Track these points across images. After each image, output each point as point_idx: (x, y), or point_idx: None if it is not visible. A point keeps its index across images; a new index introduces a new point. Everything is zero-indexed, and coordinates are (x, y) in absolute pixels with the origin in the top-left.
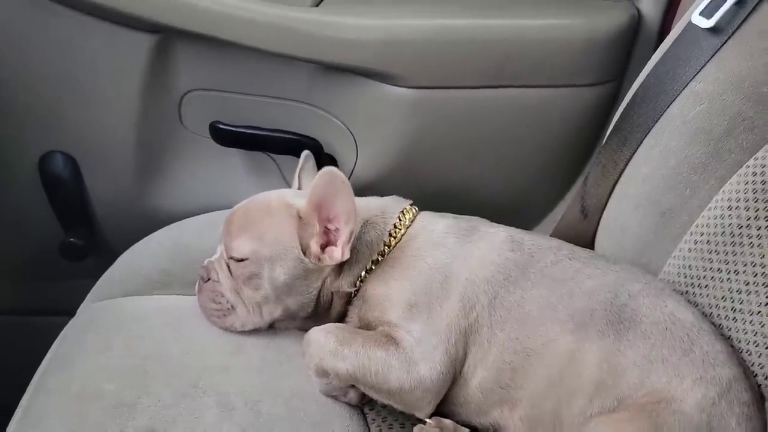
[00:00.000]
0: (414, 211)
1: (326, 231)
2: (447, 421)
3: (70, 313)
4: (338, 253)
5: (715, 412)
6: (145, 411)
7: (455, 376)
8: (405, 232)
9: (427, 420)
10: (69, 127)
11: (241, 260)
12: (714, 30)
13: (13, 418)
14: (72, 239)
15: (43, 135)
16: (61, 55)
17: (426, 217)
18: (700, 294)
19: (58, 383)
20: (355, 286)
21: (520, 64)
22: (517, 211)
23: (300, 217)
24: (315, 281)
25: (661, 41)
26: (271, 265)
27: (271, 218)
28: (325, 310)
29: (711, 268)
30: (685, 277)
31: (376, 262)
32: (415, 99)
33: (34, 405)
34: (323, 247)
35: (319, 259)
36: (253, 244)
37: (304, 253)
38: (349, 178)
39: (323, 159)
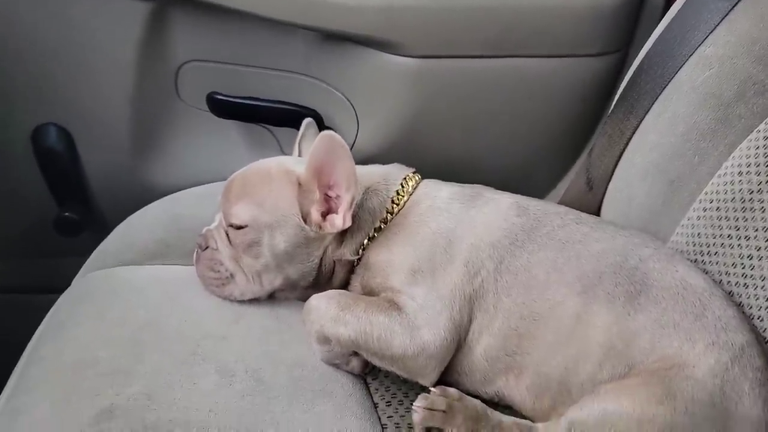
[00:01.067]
0: (417, 178)
1: (327, 198)
2: (452, 390)
3: (65, 290)
4: (339, 220)
5: (728, 377)
6: (141, 377)
7: (459, 343)
8: (408, 198)
9: (432, 389)
10: (63, 99)
11: (241, 227)
12: None
13: (6, 386)
14: (67, 214)
15: (36, 107)
16: (54, 24)
17: (429, 184)
18: (710, 262)
19: (52, 351)
20: (358, 254)
21: (524, 33)
22: (521, 184)
23: (300, 184)
24: (316, 249)
25: (668, 9)
26: (271, 233)
27: (271, 184)
28: (326, 279)
29: (721, 235)
30: (695, 245)
31: (378, 230)
32: (417, 69)
33: (27, 373)
34: (324, 215)
35: (320, 227)
36: (252, 211)
37: (305, 221)
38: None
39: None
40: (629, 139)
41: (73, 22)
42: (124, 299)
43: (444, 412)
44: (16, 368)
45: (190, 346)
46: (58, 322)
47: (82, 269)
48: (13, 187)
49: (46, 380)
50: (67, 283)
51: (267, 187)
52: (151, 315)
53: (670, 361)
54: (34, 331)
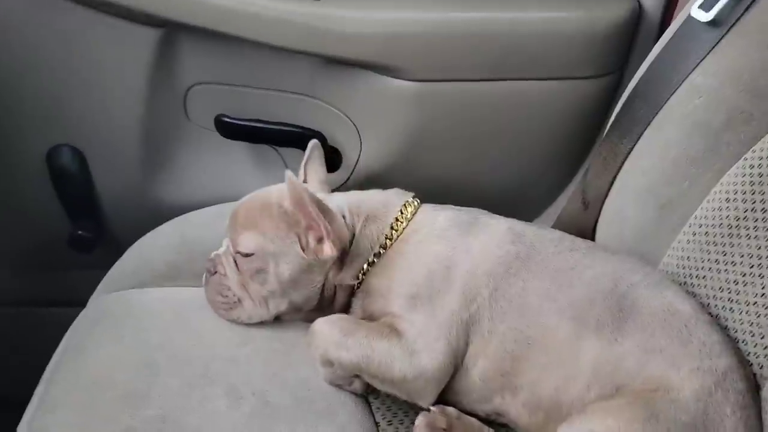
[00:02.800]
0: (416, 203)
1: (316, 226)
2: (450, 409)
3: (79, 304)
4: (328, 247)
5: (711, 400)
6: (156, 400)
7: (457, 365)
8: (406, 225)
9: (432, 408)
10: (76, 121)
11: (247, 255)
12: (713, 23)
13: (28, 406)
14: (80, 231)
15: (51, 128)
16: (68, 50)
17: (427, 210)
18: (698, 285)
19: (72, 373)
20: (358, 279)
21: (521, 57)
22: (518, 202)
23: (288, 214)
24: (318, 275)
25: (662, 33)
26: (276, 261)
27: (271, 215)
28: (329, 303)
29: (709, 260)
30: (684, 268)
31: (378, 255)
32: (417, 91)
33: (48, 394)
34: (319, 240)
35: (316, 254)
36: (257, 240)
37: (303, 249)
38: (353, 170)
39: (327, 151)
40: (623, 162)
41: (86, 48)
42: (138, 322)
43: (444, 429)
44: (38, 388)
45: (201, 368)
46: (76, 343)
47: (96, 290)
48: (29, 205)
49: (67, 401)
50: (80, 297)
51: (269, 217)
52: (163, 337)
53: (655, 383)
54: (51, 342)
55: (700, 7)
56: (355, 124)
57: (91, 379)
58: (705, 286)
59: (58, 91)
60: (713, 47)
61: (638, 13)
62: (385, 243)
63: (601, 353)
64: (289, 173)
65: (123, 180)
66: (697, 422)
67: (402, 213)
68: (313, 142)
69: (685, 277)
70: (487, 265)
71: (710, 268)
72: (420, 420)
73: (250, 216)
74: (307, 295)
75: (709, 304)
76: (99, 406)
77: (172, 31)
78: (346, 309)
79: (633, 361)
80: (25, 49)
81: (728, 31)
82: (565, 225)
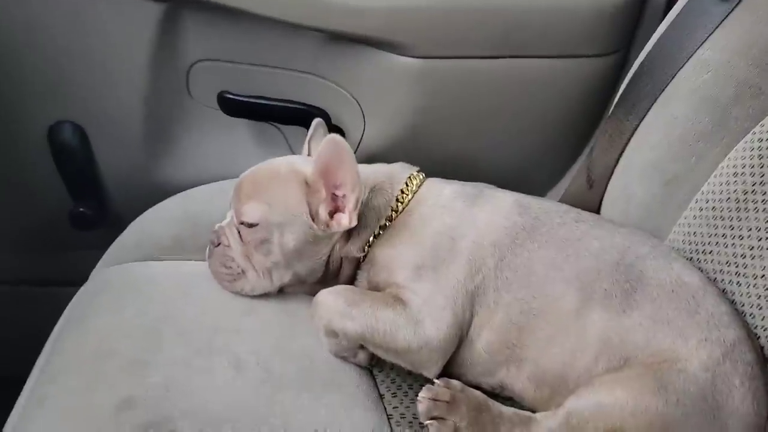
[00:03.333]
0: (421, 177)
1: (333, 197)
2: (454, 382)
3: (80, 283)
4: (346, 219)
5: (719, 371)
6: (159, 368)
7: (462, 337)
8: (412, 197)
9: (436, 380)
10: (78, 97)
11: (252, 225)
12: None
13: (30, 376)
14: (81, 209)
15: (53, 104)
16: (71, 25)
17: (433, 182)
18: (705, 260)
19: (74, 343)
20: (364, 251)
21: (526, 34)
22: (522, 181)
23: (308, 184)
24: (324, 247)
25: (668, 11)
26: (281, 231)
27: (280, 184)
28: (334, 275)
29: (716, 234)
30: (690, 243)
31: (383, 227)
32: (422, 69)
33: (50, 364)
34: (331, 214)
35: (328, 226)
36: (262, 210)
37: (313, 220)
38: (356, 148)
39: (331, 129)
40: (629, 138)
41: (88, 23)
42: (141, 293)
43: (448, 402)
44: (39, 358)
45: (205, 338)
46: (78, 314)
47: (99, 263)
48: (30, 182)
49: (69, 371)
50: (81, 276)
51: (276, 187)
52: (167, 308)
53: (663, 355)
54: (52, 322)
55: None
56: (358, 102)
57: (93, 348)
58: (712, 261)
59: (60, 66)
60: (721, 22)
61: None
62: (391, 215)
63: (608, 325)
64: (317, 121)
65: (125, 157)
66: (706, 392)
67: (407, 185)
68: (317, 120)
69: (691, 252)
70: (493, 235)
71: (717, 243)
72: (424, 392)
73: (256, 186)
74: (311, 267)
75: (716, 279)
76: (101, 374)
77: (175, 7)
78: (351, 281)
79: (641, 333)
80: (28, 24)
81: (737, 5)
82: (569, 203)
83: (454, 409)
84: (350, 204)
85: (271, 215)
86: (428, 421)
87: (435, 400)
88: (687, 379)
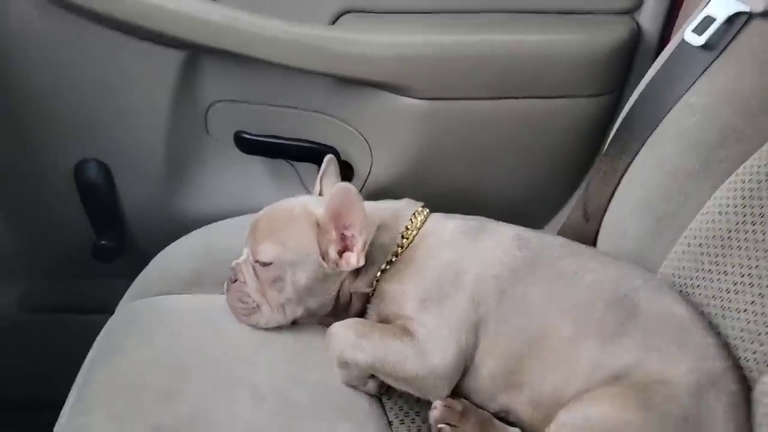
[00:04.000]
0: (425, 212)
1: (343, 237)
2: (464, 400)
3: (104, 311)
4: (354, 259)
5: (704, 398)
6: (187, 398)
7: (467, 365)
8: (416, 233)
9: (436, 402)
10: (103, 136)
11: (266, 264)
12: (706, 47)
13: (64, 408)
14: (104, 242)
15: (79, 143)
16: (98, 69)
17: (437, 218)
18: (693, 293)
19: (105, 375)
20: (372, 286)
21: (524, 77)
22: (522, 214)
23: (319, 225)
24: (334, 283)
25: (660, 54)
26: (294, 270)
27: (294, 225)
28: (344, 309)
29: (703, 269)
30: (680, 277)
31: (390, 262)
32: (426, 109)
33: (83, 395)
34: (340, 253)
35: (337, 265)
36: (276, 250)
37: (323, 258)
38: (364, 183)
39: (341, 165)
40: (622, 176)
41: (114, 68)
42: (166, 326)
43: (460, 412)
44: (72, 389)
45: (228, 369)
46: (108, 347)
47: (125, 297)
48: (56, 216)
49: (102, 402)
50: (104, 304)
51: (290, 228)
52: (191, 341)
53: (652, 377)
54: (78, 347)
55: (694, 31)
56: (366, 140)
57: (124, 380)
58: (699, 294)
59: (87, 107)
60: (706, 69)
61: (637, 34)
62: (397, 251)
63: (600, 350)
64: (329, 158)
65: (146, 193)
66: (690, 417)
67: (412, 222)
68: (329, 157)
69: (681, 285)
70: (495, 269)
71: (704, 278)
72: (438, 402)
73: (270, 226)
74: (322, 302)
75: (703, 311)
76: (133, 405)
77: (195, 53)
78: (361, 314)
79: (631, 358)
80: (58, 68)
81: (720, 54)
82: (567, 236)
83: (465, 419)
84: (358, 245)
85: (284, 255)
86: (441, 425)
87: (448, 407)
88: (672, 401)
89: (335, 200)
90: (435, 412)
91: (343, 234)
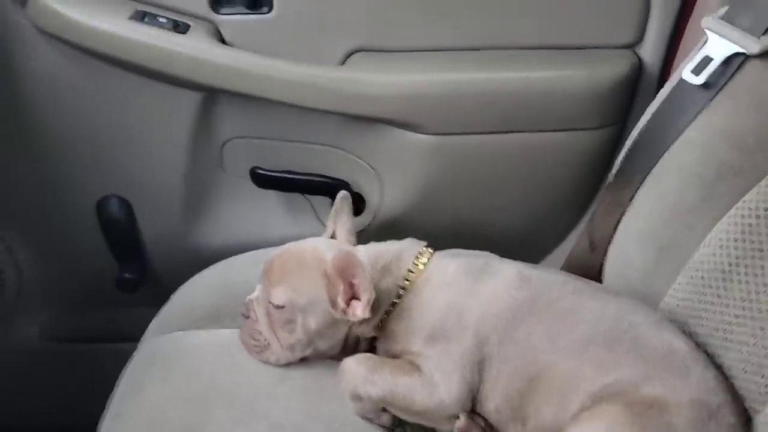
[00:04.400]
0: (429, 252)
1: (351, 285)
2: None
3: (127, 339)
4: (360, 311)
5: (703, 430)
6: None
7: (474, 398)
8: (419, 275)
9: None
10: (124, 173)
11: (279, 307)
12: (704, 86)
13: None
14: (126, 274)
15: (101, 180)
16: (118, 110)
17: (440, 258)
18: (696, 324)
19: (131, 410)
20: (378, 328)
21: (530, 112)
22: (528, 244)
23: (327, 275)
24: (342, 328)
25: (661, 87)
26: (304, 314)
27: (305, 272)
28: (352, 349)
29: (705, 301)
30: (684, 308)
31: (394, 304)
32: (434, 144)
33: (112, 429)
34: (348, 301)
35: (345, 313)
36: (289, 295)
37: (332, 306)
38: (375, 215)
39: (353, 197)
40: (626, 207)
41: (134, 108)
42: (187, 362)
43: (482, 427)
44: (102, 423)
45: (247, 404)
46: (133, 383)
47: (147, 331)
48: (80, 250)
49: None
50: (127, 333)
51: (302, 275)
52: (212, 376)
53: (651, 402)
54: (101, 375)
55: (692, 71)
56: (377, 173)
57: (148, 415)
58: (702, 326)
59: (108, 146)
60: (704, 107)
61: (639, 68)
62: (400, 293)
63: (598, 381)
64: (342, 195)
65: (166, 226)
66: None
67: (415, 263)
68: (342, 194)
69: (684, 317)
70: (496, 310)
71: (706, 309)
72: (463, 414)
73: (284, 270)
74: (331, 344)
75: (706, 342)
76: None
77: (211, 94)
78: (370, 350)
79: (631, 383)
80: (81, 109)
81: (718, 92)
82: (573, 265)
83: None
84: (363, 302)
85: (296, 300)
86: None
87: (472, 420)
88: (670, 429)
89: (338, 264)
90: (459, 423)
91: (351, 282)
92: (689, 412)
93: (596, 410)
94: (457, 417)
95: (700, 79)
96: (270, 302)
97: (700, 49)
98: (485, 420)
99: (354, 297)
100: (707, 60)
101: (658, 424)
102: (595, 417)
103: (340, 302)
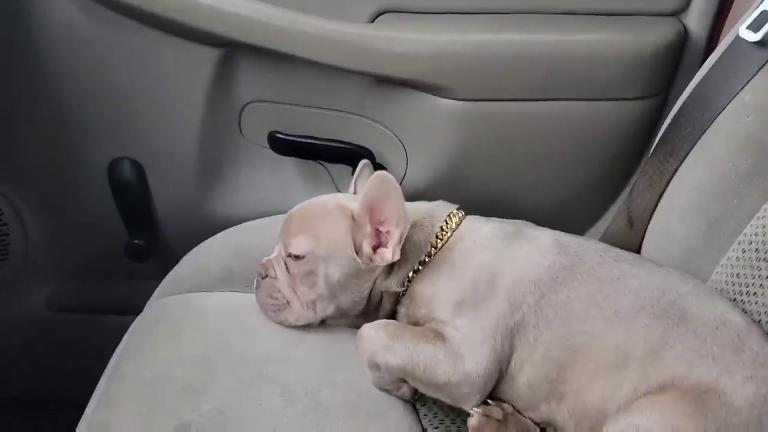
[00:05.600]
0: (460, 215)
1: (378, 233)
2: (506, 405)
3: (135, 312)
4: (389, 254)
5: (766, 409)
6: (213, 395)
7: (501, 372)
8: (451, 234)
9: (489, 401)
10: (137, 135)
11: (298, 258)
12: (761, 43)
13: (90, 401)
14: (136, 241)
15: (113, 142)
16: (134, 67)
17: (472, 220)
18: (749, 301)
19: (132, 370)
20: (404, 286)
21: (566, 79)
22: (562, 219)
23: (354, 219)
24: (366, 281)
25: (708, 56)
26: (326, 264)
27: (327, 219)
28: (374, 309)
29: (759, 276)
30: (734, 284)
31: (423, 263)
32: (464, 111)
33: (110, 389)
34: (375, 248)
35: (371, 260)
36: (310, 243)
37: (357, 253)
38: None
39: (375, 168)
40: (669, 179)
41: (149, 66)
42: (196, 323)
43: (499, 421)
44: (99, 384)
45: (257, 367)
46: (136, 342)
47: (155, 293)
48: (89, 215)
49: (128, 396)
50: (135, 305)
51: (324, 222)
52: (220, 338)
53: (706, 386)
54: (107, 348)
55: (749, 27)
56: (401, 142)
57: (150, 374)
58: (756, 303)
59: (122, 106)
60: (762, 66)
61: (684, 36)
62: (430, 251)
63: (648, 359)
64: (364, 162)
65: (179, 192)
66: (751, 428)
67: (447, 223)
68: (364, 162)
69: (735, 294)
70: (533, 273)
71: (761, 285)
72: (477, 409)
73: (304, 220)
74: (353, 300)
75: (760, 320)
76: (159, 399)
77: (231, 51)
78: (391, 315)
79: (683, 365)
80: (96, 65)
81: None
82: (610, 243)
83: (504, 428)
84: (394, 238)
85: (317, 248)
86: None
87: (487, 416)
88: (730, 411)
89: (372, 190)
90: (472, 420)
91: (377, 230)
92: (746, 390)
93: (649, 400)
94: (480, 401)
95: (757, 36)
96: (289, 254)
97: (759, 4)
98: (503, 410)
99: (380, 245)
100: (766, 15)
101: (716, 407)
102: (648, 407)
103: (366, 248)
